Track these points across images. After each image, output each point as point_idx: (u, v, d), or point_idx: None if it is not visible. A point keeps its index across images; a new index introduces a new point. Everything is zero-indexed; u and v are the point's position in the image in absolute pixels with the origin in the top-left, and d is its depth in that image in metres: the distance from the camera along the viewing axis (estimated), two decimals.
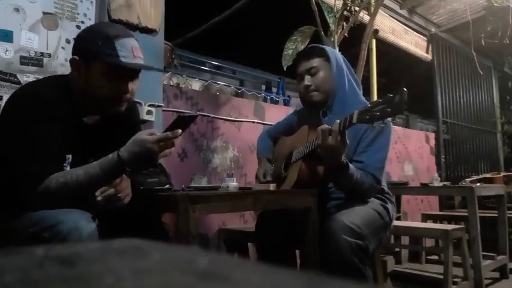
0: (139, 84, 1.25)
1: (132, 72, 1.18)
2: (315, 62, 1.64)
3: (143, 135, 1.08)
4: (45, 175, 1.06)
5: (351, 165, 1.44)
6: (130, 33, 1.21)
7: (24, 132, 1.08)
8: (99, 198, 1.08)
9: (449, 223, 3.12)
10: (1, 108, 1.56)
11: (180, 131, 1.08)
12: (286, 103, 3.75)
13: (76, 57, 1.16)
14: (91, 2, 1.87)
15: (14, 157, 1.07)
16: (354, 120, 1.28)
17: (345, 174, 1.42)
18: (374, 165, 1.51)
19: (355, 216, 1.41)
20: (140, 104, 1.95)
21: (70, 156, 1.16)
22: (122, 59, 1.12)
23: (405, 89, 1.16)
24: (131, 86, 1.19)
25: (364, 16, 3.03)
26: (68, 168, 1.15)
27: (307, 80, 1.63)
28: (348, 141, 1.36)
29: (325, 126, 1.35)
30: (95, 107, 1.21)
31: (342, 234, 1.33)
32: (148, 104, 2.03)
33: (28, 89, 1.17)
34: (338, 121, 1.33)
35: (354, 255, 1.33)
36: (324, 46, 1.72)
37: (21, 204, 1.06)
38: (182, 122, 1.10)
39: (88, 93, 1.17)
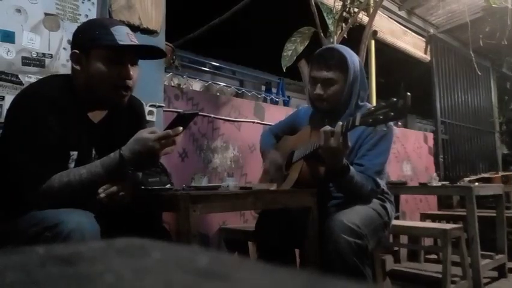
0: (139, 73, 1.25)
1: (132, 54, 1.20)
2: (333, 74, 1.57)
3: (144, 133, 1.09)
4: (48, 174, 1.07)
5: (352, 168, 1.44)
6: (123, 23, 1.25)
7: (28, 132, 1.08)
8: (102, 196, 1.09)
9: (448, 222, 3.13)
10: (3, 108, 1.58)
11: (181, 128, 1.09)
12: (286, 103, 3.76)
13: (76, 51, 1.18)
14: (92, 3, 1.88)
15: (18, 157, 1.08)
16: (357, 123, 1.27)
17: (346, 177, 1.42)
18: (374, 169, 1.51)
19: (354, 215, 1.41)
20: None
21: (76, 153, 1.17)
22: (120, 42, 1.15)
23: (409, 93, 1.15)
24: (132, 71, 1.20)
25: (363, 17, 3.04)
26: (73, 165, 1.16)
27: (320, 89, 1.59)
28: (350, 144, 1.36)
29: (327, 127, 1.35)
30: (99, 99, 1.22)
31: (341, 234, 1.34)
32: (149, 104, 2.04)
33: (32, 89, 1.17)
34: (341, 123, 1.33)
35: (353, 254, 1.33)
36: (345, 53, 1.60)
37: (25, 203, 1.07)
38: (183, 119, 1.11)
39: (91, 84, 1.18)
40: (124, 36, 1.17)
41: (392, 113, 1.18)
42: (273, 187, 1.52)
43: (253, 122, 2.70)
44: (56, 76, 1.27)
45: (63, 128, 1.12)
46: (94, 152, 1.22)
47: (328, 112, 1.64)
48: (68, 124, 1.14)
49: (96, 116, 1.25)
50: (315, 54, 1.67)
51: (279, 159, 1.76)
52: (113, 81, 1.17)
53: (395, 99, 1.18)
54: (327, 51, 1.65)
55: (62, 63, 1.76)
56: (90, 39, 1.16)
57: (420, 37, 4.39)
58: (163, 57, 1.29)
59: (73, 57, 1.19)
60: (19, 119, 1.12)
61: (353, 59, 1.62)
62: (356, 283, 0.23)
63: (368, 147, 1.52)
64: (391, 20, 3.97)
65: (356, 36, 2.78)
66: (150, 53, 1.28)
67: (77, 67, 1.19)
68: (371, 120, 1.23)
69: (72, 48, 1.20)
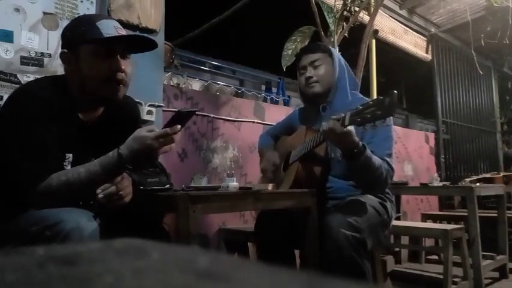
0: (133, 68, 1.25)
1: (121, 47, 1.19)
2: (319, 55, 1.67)
3: (142, 132, 1.09)
4: (46, 174, 1.06)
5: (368, 148, 1.40)
6: (110, 17, 1.23)
7: (24, 132, 1.08)
8: (100, 196, 1.08)
9: (449, 223, 3.12)
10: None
11: (179, 126, 1.08)
12: (286, 103, 3.76)
13: (65, 50, 1.18)
14: (91, 2, 1.87)
15: (15, 157, 1.08)
16: (346, 122, 1.28)
17: (363, 156, 1.37)
18: (384, 152, 1.50)
19: (352, 211, 1.42)
20: (140, 104, 1.96)
21: (71, 155, 1.16)
22: (106, 35, 1.14)
23: (395, 91, 1.16)
24: (123, 65, 1.18)
25: (364, 16, 3.03)
26: (69, 167, 1.15)
27: (310, 72, 1.66)
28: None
29: (324, 125, 1.34)
30: (93, 97, 1.21)
31: (339, 228, 1.34)
32: (148, 104, 2.03)
33: (26, 89, 1.17)
34: (333, 117, 1.33)
35: (352, 248, 1.33)
36: (326, 45, 1.76)
37: (24, 202, 1.07)
38: (181, 117, 1.10)
39: (83, 82, 1.17)
40: (110, 29, 1.16)
41: (379, 112, 1.19)
42: (272, 187, 1.51)
43: (253, 122, 2.69)
44: (49, 77, 1.26)
45: (56, 128, 1.12)
46: (89, 153, 1.21)
47: (321, 98, 1.66)
48: (61, 125, 1.13)
49: (89, 117, 1.24)
50: (299, 51, 1.80)
51: (276, 158, 1.77)
52: (104, 75, 1.16)
53: (381, 98, 1.19)
54: (309, 44, 1.86)
55: (60, 63, 1.74)
56: (77, 37, 1.16)
57: (421, 36, 4.39)
58: (154, 49, 1.26)
59: (63, 57, 1.19)
60: (13, 118, 1.11)
61: (335, 50, 1.77)
62: (356, 284, 0.23)
63: (371, 134, 1.50)
64: (392, 19, 3.97)
65: (356, 35, 2.77)
66: (141, 45, 1.26)
67: (68, 66, 1.19)
68: (359, 119, 1.24)
69: (61, 48, 1.20)
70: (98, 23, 1.15)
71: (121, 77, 1.18)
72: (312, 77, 1.65)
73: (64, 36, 1.21)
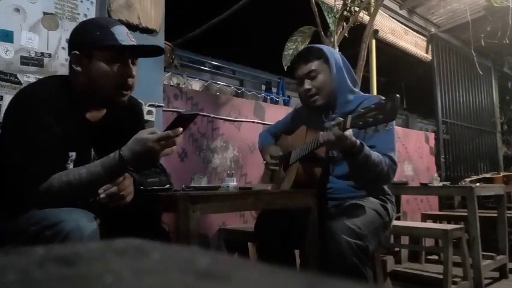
0: (138, 73, 1.27)
1: (133, 53, 1.22)
2: (314, 65, 1.61)
3: (144, 134, 1.09)
4: (47, 174, 1.07)
5: (366, 146, 1.40)
6: (119, 23, 1.26)
7: (26, 132, 1.09)
8: (102, 196, 1.08)
9: (449, 223, 3.12)
10: (1, 108, 1.57)
11: (181, 129, 1.09)
12: (286, 103, 3.75)
13: (76, 52, 1.18)
14: (91, 2, 1.87)
15: (16, 157, 1.08)
16: (348, 126, 1.28)
17: (361, 155, 1.37)
18: (386, 146, 1.50)
19: (355, 216, 1.41)
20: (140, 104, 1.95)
21: (74, 154, 1.17)
22: (122, 42, 1.17)
23: (397, 95, 1.16)
24: (133, 71, 1.22)
25: (364, 16, 3.03)
26: (72, 166, 1.15)
27: (307, 84, 1.62)
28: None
29: (325, 134, 1.34)
30: (101, 99, 1.22)
31: (342, 235, 1.33)
32: (148, 104, 2.03)
33: (29, 90, 1.17)
34: (333, 123, 1.33)
35: (354, 255, 1.33)
36: (321, 46, 1.69)
37: (25, 202, 1.07)
38: (182, 120, 1.10)
39: (93, 85, 1.18)
40: (124, 36, 1.18)
41: (381, 116, 1.19)
42: (272, 188, 1.51)
43: (253, 122, 2.69)
44: (53, 77, 1.27)
45: (60, 128, 1.12)
46: (92, 152, 1.22)
47: (323, 108, 1.64)
48: (65, 124, 1.14)
49: (94, 116, 1.26)
50: (294, 57, 1.75)
51: (278, 151, 1.78)
52: (116, 80, 1.18)
53: (383, 102, 1.19)
54: (304, 50, 1.74)
55: (60, 63, 1.75)
56: (91, 40, 1.17)
57: (421, 36, 4.39)
58: (161, 55, 1.30)
59: (73, 59, 1.19)
60: (16, 119, 1.12)
61: (331, 50, 1.70)
62: (356, 283, 0.23)
63: (374, 129, 1.50)
64: (392, 19, 3.97)
65: (356, 35, 2.77)
66: (148, 51, 1.30)
67: (78, 68, 1.19)
68: (361, 123, 1.24)
69: (71, 50, 1.20)
70: (112, 29, 1.17)
71: (131, 83, 1.22)
72: (310, 89, 1.61)
73: (75, 38, 1.22)
